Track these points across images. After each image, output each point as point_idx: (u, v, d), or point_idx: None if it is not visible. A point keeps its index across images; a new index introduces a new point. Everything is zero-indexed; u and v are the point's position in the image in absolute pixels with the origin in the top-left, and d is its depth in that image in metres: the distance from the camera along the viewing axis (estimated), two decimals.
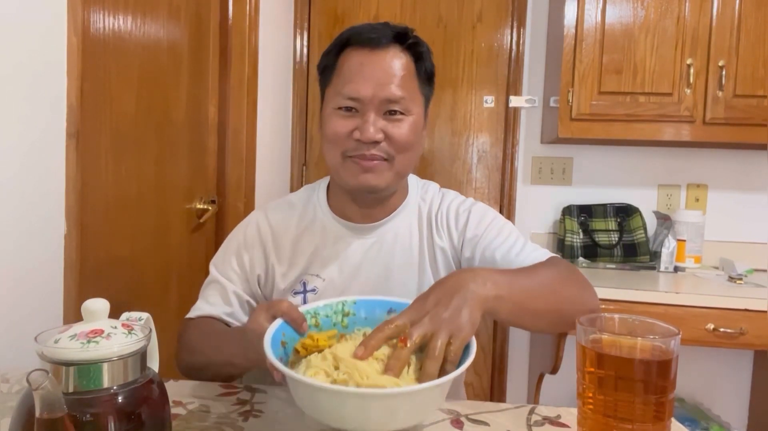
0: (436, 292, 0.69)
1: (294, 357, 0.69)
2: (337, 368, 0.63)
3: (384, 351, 0.65)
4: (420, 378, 0.62)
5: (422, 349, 0.67)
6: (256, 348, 0.66)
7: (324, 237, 0.99)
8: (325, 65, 0.94)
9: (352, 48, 0.90)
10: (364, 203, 0.97)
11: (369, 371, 0.62)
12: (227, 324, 0.96)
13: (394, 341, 0.66)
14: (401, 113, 0.89)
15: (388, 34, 0.90)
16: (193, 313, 0.97)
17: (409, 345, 0.63)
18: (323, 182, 1.06)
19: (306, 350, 0.69)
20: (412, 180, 1.05)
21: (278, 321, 0.69)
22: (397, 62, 0.89)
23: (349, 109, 0.89)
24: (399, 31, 0.91)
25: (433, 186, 1.07)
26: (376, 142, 0.88)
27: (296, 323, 0.71)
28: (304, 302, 0.96)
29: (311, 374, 0.62)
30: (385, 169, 0.90)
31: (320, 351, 0.68)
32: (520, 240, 0.98)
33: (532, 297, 0.78)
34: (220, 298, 0.97)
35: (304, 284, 0.97)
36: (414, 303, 0.69)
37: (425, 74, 0.94)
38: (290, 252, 0.99)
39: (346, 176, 0.92)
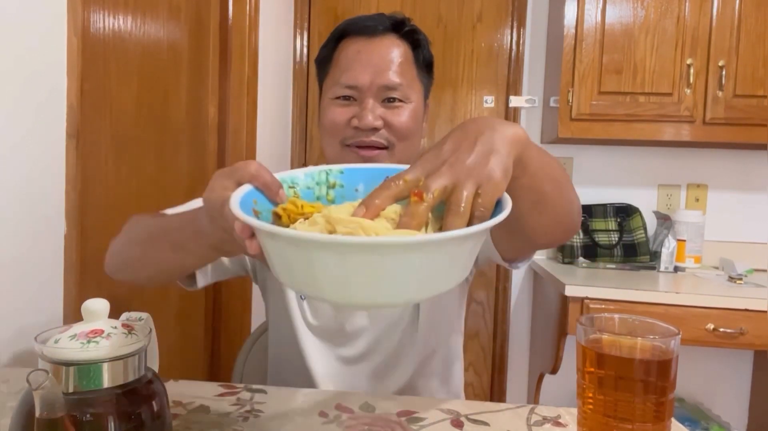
0: (453, 137, 0.54)
1: (275, 217, 0.54)
2: (332, 233, 0.47)
3: (394, 209, 0.50)
4: None
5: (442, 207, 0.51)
6: (217, 220, 0.55)
7: None
8: (323, 57, 0.94)
9: (349, 38, 0.90)
10: None
11: (378, 228, 0.47)
12: None
13: (406, 201, 0.50)
14: (400, 100, 0.88)
15: (384, 22, 0.90)
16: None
17: (426, 199, 0.48)
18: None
19: (288, 217, 0.53)
20: None
21: (246, 187, 0.54)
22: (394, 49, 0.89)
23: (347, 98, 0.88)
24: (395, 20, 0.90)
25: None
26: (375, 129, 0.87)
27: (270, 189, 0.55)
28: (304, 296, 0.92)
29: None
30: (384, 158, 0.88)
31: (306, 218, 0.52)
32: None
33: (550, 161, 0.64)
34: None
35: None
36: (427, 154, 0.53)
37: (423, 62, 0.93)
38: None
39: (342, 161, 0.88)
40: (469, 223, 0.48)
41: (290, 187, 0.58)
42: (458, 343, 1.03)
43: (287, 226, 0.50)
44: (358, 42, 0.89)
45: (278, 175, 0.57)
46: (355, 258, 0.42)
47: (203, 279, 0.87)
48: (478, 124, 0.55)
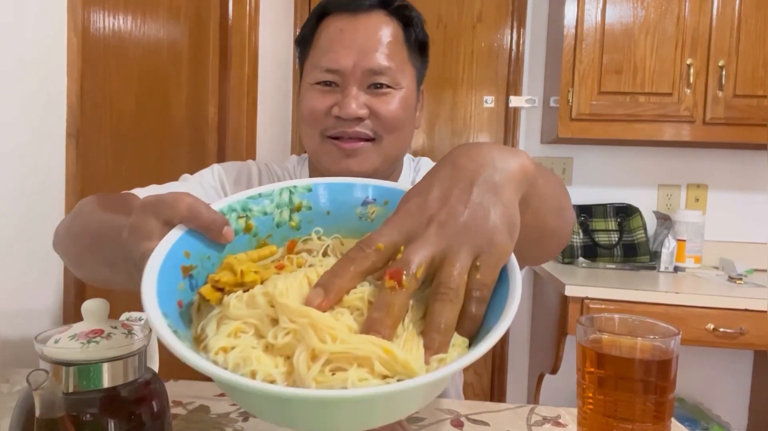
0: (441, 179, 0.41)
1: (201, 300, 0.42)
2: (275, 321, 0.37)
3: (361, 293, 0.38)
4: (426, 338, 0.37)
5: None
6: (139, 270, 0.40)
7: None
8: (303, 36, 0.84)
9: (332, 15, 0.79)
10: None
11: (335, 327, 0.36)
12: None
13: (378, 281, 0.39)
14: (388, 86, 0.78)
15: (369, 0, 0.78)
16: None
17: (405, 283, 0.36)
18: (305, 161, 0.94)
19: (220, 291, 0.41)
20: (406, 159, 0.94)
21: (175, 234, 0.41)
22: (382, 28, 0.78)
23: (328, 83, 0.78)
24: None
25: (425, 161, 0.96)
26: (360, 119, 0.77)
27: (210, 230, 0.42)
28: None
29: (225, 339, 0.37)
30: (370, 151, 0.78)
31: (245, 291, 0.41)
32: None
33: (553, 188, 0.55)
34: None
35: None
36: (408, 203, 0.41)
37: (416, 43, 0.82)
38: None
39: (325, 161, 0.79)
40: (464, 307, 0.38)
41: (240, 217, 0.45)
42: None
43: (220, 300, 0.40)
44: (341, 19, 0.78)
45: (226, 201, 0.46)
46: (301, 408, 0.35)
47: None
48: (474, 158, 0.42)
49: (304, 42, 0.83)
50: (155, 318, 0.35)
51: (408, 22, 0.81)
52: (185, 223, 0.42)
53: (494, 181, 0.41)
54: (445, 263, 0.38)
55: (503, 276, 0.40)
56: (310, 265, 0.43)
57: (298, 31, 2.56)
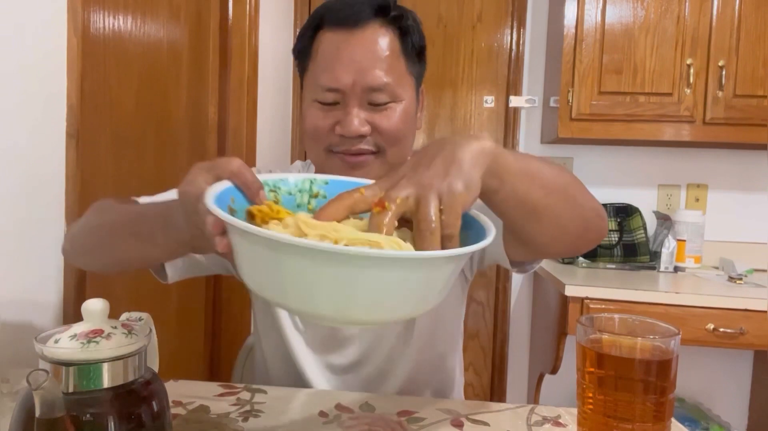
0: (414, 156, 0.53)
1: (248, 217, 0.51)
2: (304, 236, 0.45)
3: (354, 223, 0.49)
4: None
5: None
6: (191, 215, 0.51)
7: None
8: (300, 49, 0.83)
9: (327, 29, 0.79)
10: None
11: (351, 231, 0.45)
12: None
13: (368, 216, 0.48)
14: (389, 101, 0.78)
15: (366, 8, 0.78)
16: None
17: (387, 206, 0.46)
18: (309, 166, 0.95)
19: (262, 219, 0.50)
20: None
21: (224, 183, 0.51)
22: (379, 41, 0.77)
23: (329, 101, 0.78)
24: (379, 4, 0.79)
25: None
26: (362, 136, 0.78)
27: (250, 188, 0.52)
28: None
29: None
30: (375, 163, 0.80)
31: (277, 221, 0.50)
32: None
33: (540, 172, 0.60)
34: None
35: None
36: (386, 174, 0.52)
37: (414, 50, 0.82)
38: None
39: (331, 172, 0.77)
40: (442, 242, 0.46)
41: (271, 191, 0.56)
42: (457, 347, 0.99)
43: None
44: (337, 35, 0.78)
45: (261, 177, 0.55)
46: (327, 266, 0.40)
47: (175, 274, 0.81)
48: (441, 141, 0.53)
49: (302, 54, 0.83)
50: (213, 206, 0.44)
51: (405, 31, 0.81)
52: (232, 179, 0.52)
53: (454, 154, 0.51)
54: (419, 205, 0.47)
55: (474, 222, 0.52)
56: None
57: (298, 30, 2.56)
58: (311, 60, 0.81)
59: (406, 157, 0.84)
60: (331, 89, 0.77)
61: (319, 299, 0.42)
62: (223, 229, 0.47)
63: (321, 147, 0.81)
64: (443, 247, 0.46)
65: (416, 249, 0.45)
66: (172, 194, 0.81)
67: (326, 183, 0.59)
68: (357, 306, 0.42)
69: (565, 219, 0.65)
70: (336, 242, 0.42)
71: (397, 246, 0.44)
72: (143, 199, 0.80)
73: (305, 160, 0.98)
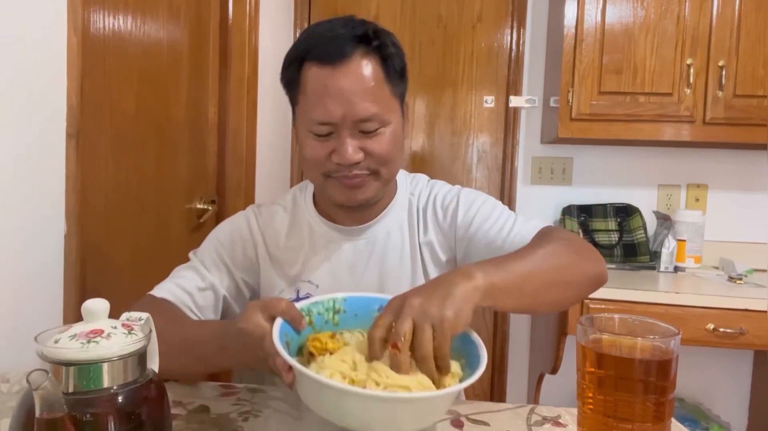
0: (417, 290, 0.67)
1: (299, 359, 0.68)
2: (355, 369, 0.63)
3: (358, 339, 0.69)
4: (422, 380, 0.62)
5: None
6: (254, 351, 0.64)
7: (313, 241, 0.96)
8: (288, 80, 0.88)
9: (313, 63, 0.83)
10: (351, 208, 0.93)
11: (387, 369, 0.62)
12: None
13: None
14: (378, 127, 0.84)
15: (348, 41, 0.81)
16: (157, 292, 0.90)
17: (401, 347, 0.61)
18: (309, 185, 1.02)
19: (316, 352, 0.68)
20: (401, 175, 1.01)
21: (279, 321, 0.66)
22: (364, 73, 0.82)
23: (323, 133, 0.84)
24: (361, 33, 0.82)
25: (421, 179, 1.03)
26: (357, 163, 0.84)
27: (296, 322, 0.67)
28: None
29: (328, 375, 0.61)
30: (371, 182, 0.87)
31: (327, 352, 0.67)
32: (512, 217, 0.95)
33: (528, 278, 0.74)
34: (194, 286, 0.91)
35: (297, 291, 0.94)
36: (393, 301, 0.66)
37: (396, 73, 0.87)
38: (281, 257, 0.96)
39: (332, 194, 0.89)
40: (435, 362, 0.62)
41: (306, 314, 0.72)
42: None
43: (312, 360, 0.66)
44: (323, 71, 0.82)
45: (297, 305, 0.71)
46: (372, 405, 0.58)
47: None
48: (444, 277, 0.68)
49: (291, 85, 0.87)
50: (287, 356, 0.60)
51: (386, 56, 0.85)
52: (282, 316, 0.66)
53: (449, 290, 0.65)
54: (416, 333, 0.61)
55: (470, 340, 0.68)
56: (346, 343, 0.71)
57: (299, 31, 2.55)
58: (301, 93, 0.85)
59: (398, 170, 0.93)
60: (324, 123, 0.82)
61: (371, 423, 0.59)
62: (289, 366, 0.60)
63: (319, 172, 0.87)
64: (437, 366, 0.62)
65: (420, 369, 0.62)
66: (182, 272, 0.93)
67: (345, 300, 0.76)
68: (399, 427, 0.61)
69: (558, 303, 0.82)
70: (379, 384, 0.60)
71: (421, 387, 0.60)
72: (159, 290, 0.90)
73: (301, 173, 1.05)
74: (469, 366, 0.65)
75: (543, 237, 0.88)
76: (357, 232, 0.96)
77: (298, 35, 0.88)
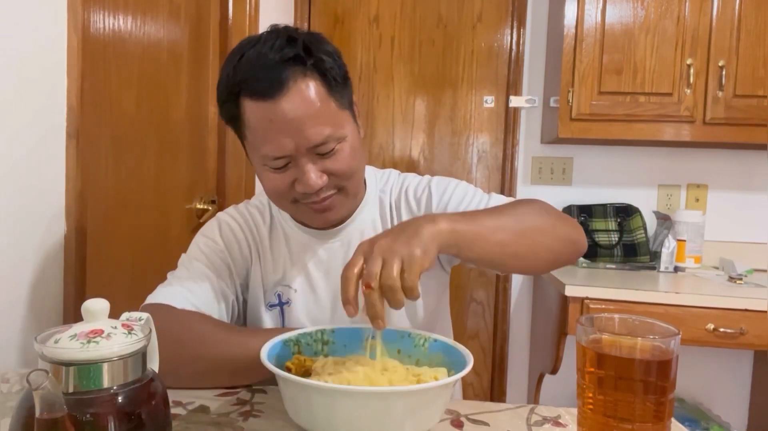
0: (385, 232, 0.68)
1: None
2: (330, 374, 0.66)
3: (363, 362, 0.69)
4: (388, 315, 0.64)
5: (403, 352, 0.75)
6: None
7: (289, 246, 0.94)
8: (229, 116, 0.82)
9: (250, 98, 0.77)
10: None
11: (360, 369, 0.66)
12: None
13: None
14: (334, 145, 0.80)
15: (281, 70, 0.76)
16: (176, 302, 0.84)
17: (374, 286, 0.62)
18: None
19: (295, 369, 0.70)
20: (369, 173, 0.99)
21: (268, 345, 0.70)
22: (306, 97, 0.77)
23: (279, 166, 0.80)
24: (293, 55, 0.77)
25: (392, 174, 1.01)
26: (321, 187, 0.81)
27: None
28: (282, 316, 0.92)
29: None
30: (339, 199, 0.85)
31: (307, 371, 0.70)
32: (486, 196, 0.95)
33: (496, 231, 0.75)
34: (212, 293, 0.88)
35: (279, 296, 0.93)
36: (362, 244, 0.67)
37: (339, 84, 0.81)
38: (265, 257, 0.94)
39: (303, 218, 0.89)
40: (407, 296, 0.63)
41: (294, 344, 0.76)
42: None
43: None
44: (263, 107, 0.76)
45: (287, 335, 0.75)
46: (339, 400, 0.59)
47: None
48: (410, 221, 0.70)
49: (234, 121, 0.82)
50: (267, 361, 0.64)
51: (324, 71, 0.79)
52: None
53: (416, 230, 0.67)
54: (384, 267, 0.63)
55: (453, 350, 0.72)
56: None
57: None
58: (246, 127, 0.80)
59: (362, 177, 0.92)
60: (279, 157, 0.79)
61: (361, 426, 0.60)
62: None
63: (286, 201, 0.85)
64: (407, 296, 0.63)
65: (388, 304, 0.64)
66: (195, 263, 0.90)
67: (333, 332, 0.78)
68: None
69: (530, 259, 0.81)
70: (349, 381, 0.65)
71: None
72: (166, 295, 0.85)
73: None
74: (457, 372, 0.66)
75: (520, 201, 0.88)
76: (331, 235, 0.94)
77: (219, 101, 0.82)
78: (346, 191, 0.85)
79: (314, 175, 0.79)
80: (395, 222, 0.95)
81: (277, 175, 0.81)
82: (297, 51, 0.77)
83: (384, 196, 0.97)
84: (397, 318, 0.92)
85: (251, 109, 0.78)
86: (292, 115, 0.76)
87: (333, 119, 0.80)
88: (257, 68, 0.76)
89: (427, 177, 0.99)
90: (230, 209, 0.99)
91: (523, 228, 0.79)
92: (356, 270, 0.64)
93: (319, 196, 0.82)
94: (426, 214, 0.71)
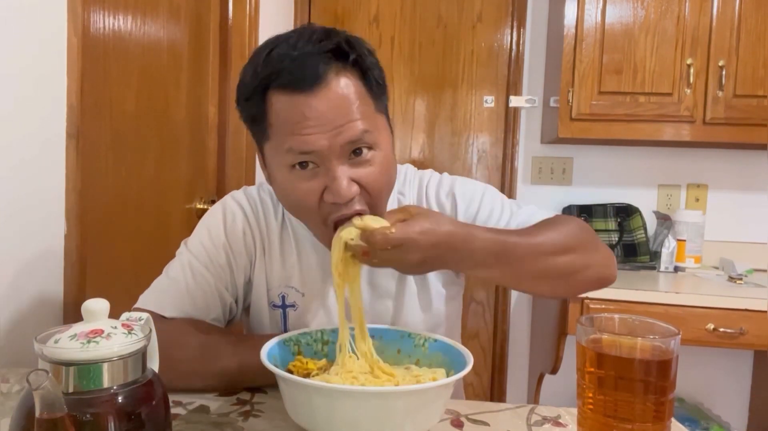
0: (423, 244, 0.68)
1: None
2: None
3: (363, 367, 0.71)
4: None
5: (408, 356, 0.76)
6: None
7: (300, 247, 0.88)
8: (251, 115, 0.75)
9: (281, 92, 0.70)
10: None
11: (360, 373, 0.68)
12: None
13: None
14: (368, 148, 0.73)
15: (319, 61, 0.69)
16: (168, 310, 0.82)
17: (372, 254, 0.68)
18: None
19: (296, 371, 0.71)
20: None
21: (267, 346, 0.70)
22: (345, 93, 0.70)
23: (305, 164, 0.72)
24: (333, 47, 0.70)
25: (409, 171, 0.94)
26: (353, 197, 0.73)
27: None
28: (284, 319, 0.88)
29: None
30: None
31: (308, 374, 0.70)
32: (514, 207, 0.89)
33: (531, 259, 0.75)
34: (208, 298, 0.85)
35: (283, 297, 0.88)
36: (403, 230, 0.67)
37: (379, 86, 0.76)
38: (271, 253, 0.88)
39: (323, 240, 0.80)
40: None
41: (294, 344, 0.76)
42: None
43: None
44: (296, 98, 0.69)
45: (287, 335, 0.75)
46: (339, 400, 0.60)
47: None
48: (444, 243, 0.69)
49: (257, 121, 0.75)
50: (267, 361, 0.65)
51: (365, 69, 0.73)
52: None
53: (442, 261, 0.72)
54: (391, 261, 0.69)
55: (453, 350, 0.72)
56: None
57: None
58: (270, 126, 0.73)
59: (390, 193, 0.81)
60: (306, 152, 0.71)
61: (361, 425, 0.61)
62: None
63: (315, 220, 0.76)
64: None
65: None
66: (195, 266, 0.86)
67: (333, 332, 0.76)
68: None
69: (546, 285, 0.80)
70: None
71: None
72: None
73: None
74: (457, 372, 0.65)
75: (557, 223, 0.82)
76: None
77: (242, 98, 0.75)
78: (375, 210, 0.76)
79: (346, 182, 0.71)
80: None
81: (304, 182, 0.73)
82: (338, 43, 0.71)
83: (402, 197, 0.91)
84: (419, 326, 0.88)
85: (281, 102, 0.70)
86: (328, 110, 0.69)
87: (370, 119, 0.73)
88: (292, 59, 0.69)
89: (446, 177, 0.93)
90: (239, 194, 0.91)
91: (560, 265, 0.77)
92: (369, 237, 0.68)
93: (349, 209, 0.73)
94: (462, 248, 0.70)
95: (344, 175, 0.71)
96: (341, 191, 0.71)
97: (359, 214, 0.73)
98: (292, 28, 0.75)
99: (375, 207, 0.75)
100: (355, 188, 0.72)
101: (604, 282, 0.83)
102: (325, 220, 0.75)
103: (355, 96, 0.71)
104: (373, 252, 0.67)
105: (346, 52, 0.71)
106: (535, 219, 0.86)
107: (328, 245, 0.75)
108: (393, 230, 0.67)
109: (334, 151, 0.71)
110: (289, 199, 0.78)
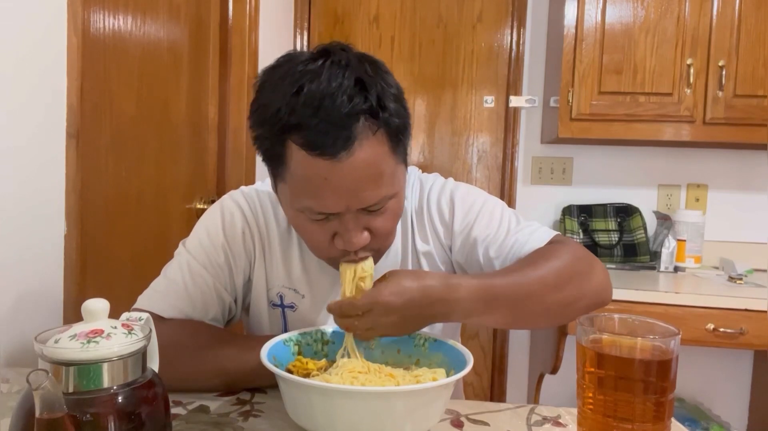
0: (398, 306, 0.67)
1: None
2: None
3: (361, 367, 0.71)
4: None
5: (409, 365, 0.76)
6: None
7: (302, 248, 0.88)
8: (268, 152, 0.72)
9: (304, 150, 0.66)
10: None
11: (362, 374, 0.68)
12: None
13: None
14: (385, 203, 0.73)
15: (350, 122, 0.65)
16: (166, 310, 0.82)
17: (352, 332, 0.71)
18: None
19: (296, 371, 0.71)
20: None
21: (267, 346, 0.70)
22: (371, 161, 0.67)
23: (320, 218, 0.72)
24: (366, 107, 0.66)
25: (412, 173, 0.93)
26: (364, 245, 0.74)
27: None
28: (283, 317, 0.89)
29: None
30: (375, 258, 0.78)
31: (308, 374, 0.70)
32: (513, 223, 0.87)
33: (522, 300, 0.73)
34: (206, 298, 0.84)
35: (281, 297, 0.88)
36: (376, 297, 0.67)
37: (403, 138, 0.73)
38: (278, 253, 0.88)
39: (330, 264, 0.81)
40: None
41: (295, 344, 0.76)
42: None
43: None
44: (319, 164, 0.66)
45: (287, 335, 0.76)
46: (336, 400, 0.60)
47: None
48: (425, 309, 0.69)
49: (272, 159, 0.72)
50: (268, 362, 0.65)
51: (395, 126, 0.70)
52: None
53: (416, 324, 0.72)
54: (364, 331, 0.70)
55: (454, 350, 0.73)
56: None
57: (299, 31, 2.50)
58: (287, 172, 0.70)
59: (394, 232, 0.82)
60: (323, 213, 0.71)
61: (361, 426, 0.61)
62: None
63: (322, 256, 0.79)
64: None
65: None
66: (195, 269, 0.85)
67: (332, 332, 0.79)
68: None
69: (544, 319, 0.79)
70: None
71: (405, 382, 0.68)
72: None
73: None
74: (457, 372, 0.65)
75: (549, 253, 0.80)
76: None
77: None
78: (381, 252, 0.80)
79: (356, 236, 0.71)
80: (417, 234, 0.89)
81: (315, 226, 0.73)
82: (370, 103, 0.67)
83: (405, 202, 0.88)
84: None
85: (302, 161, 0.67)
86: (351, 178, 0.67)
87: (390, 179, 0.72)
88: (321, 118, 0.65)
89: (450, 183, 0.92)
90: (237, 194, 0.90)
91: (551, 302, 0.76)
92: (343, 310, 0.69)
93: (357, 254, 0.74)
94: (445, 298, 0.68)
95: (358, 226, 0.72)
96: (353, 241, 0.72)
97: (361, 260, 0.74)
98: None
99: (380, 251, 0.80)
100: (366, 236, 0.73)
101: (599, 306, 0.81)
102: (330, 257, 0.77)
103: (381, 159, 0.69)
104: (351, 325, 0.69)
105: (377, 110, 0.67)
106: (533, 240, 0.84)
107: (328, 263, 0.82)
108: (358, 297, 0.69)
109: (350, 211, 0.71)
110: (296, 229, 0.81)
